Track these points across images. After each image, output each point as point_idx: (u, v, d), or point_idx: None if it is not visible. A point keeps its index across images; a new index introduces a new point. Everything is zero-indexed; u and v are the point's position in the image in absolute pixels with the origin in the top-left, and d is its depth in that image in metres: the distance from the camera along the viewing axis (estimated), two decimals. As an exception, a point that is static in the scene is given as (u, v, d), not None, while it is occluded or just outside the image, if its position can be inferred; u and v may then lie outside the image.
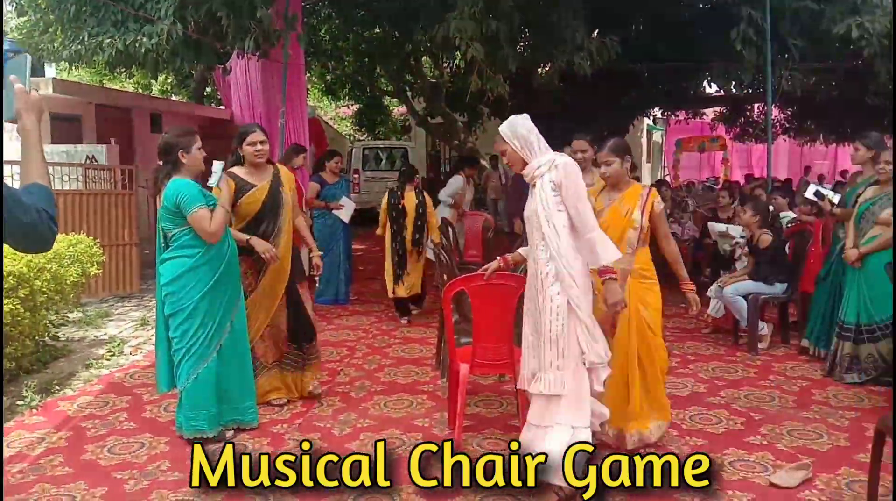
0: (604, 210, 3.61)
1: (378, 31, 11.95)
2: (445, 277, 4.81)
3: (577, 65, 7.29)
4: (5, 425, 4.01)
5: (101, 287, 7.67)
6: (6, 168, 6.58)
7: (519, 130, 3.17)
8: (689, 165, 20.35)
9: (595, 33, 8.73)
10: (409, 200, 6.68)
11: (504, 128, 3.21)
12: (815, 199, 5.48)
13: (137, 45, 6.33)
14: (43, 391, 4.60)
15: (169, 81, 18.37)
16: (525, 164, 3.17)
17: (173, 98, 18.24)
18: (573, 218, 3.06)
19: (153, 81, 19.23)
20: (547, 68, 8.15)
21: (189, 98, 16.78)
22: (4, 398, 4.39)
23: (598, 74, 8.11)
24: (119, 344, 5.83)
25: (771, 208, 6.45)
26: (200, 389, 3.65)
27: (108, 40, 6.51)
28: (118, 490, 3.27)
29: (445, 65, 13.27)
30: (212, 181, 3.78)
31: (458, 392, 3.65)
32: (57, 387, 4.75)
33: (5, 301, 4.34)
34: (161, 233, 3.72)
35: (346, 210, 7.39)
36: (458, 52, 9.16)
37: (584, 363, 3.04)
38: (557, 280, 3.02)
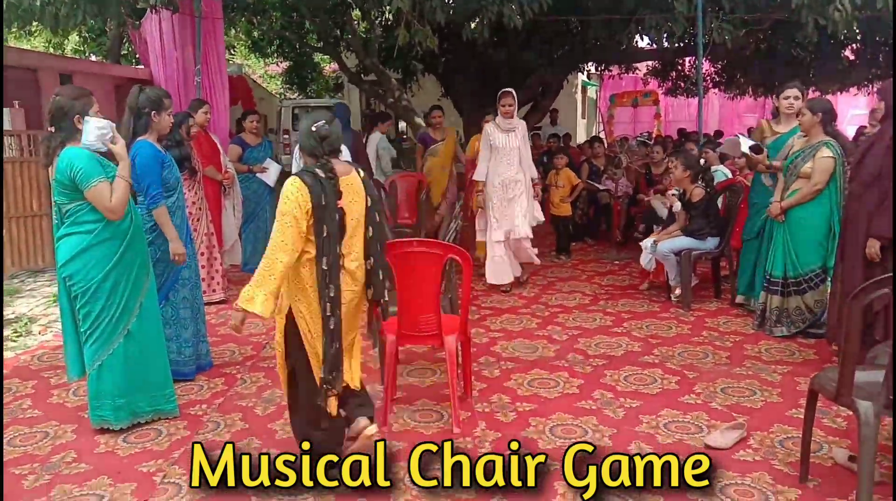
0: None
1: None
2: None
3: (508, 17, 7.05)
4: None
5: (10, 261, 7.18)
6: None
7: None
8: (622, 121, 20.42)
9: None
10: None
11: None
12: (752, 153, 5.37)
13: (31, -2, 5.77)
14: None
15: (83, 38, 17.24)
16: None
17: (92, 58, 17.12)
18: None
19: (66, 41, 18.04)
20: (477, 21, 7.85)
21: (105, 57, 15.76)
22: None
23: (529, 27, 7.87)
24: (26, 323, 5.44)
25: (702, 161, 6.42)
26: (105, 377, 3.36)
27: (-2, -7, 5.93)
28: (16, 487, 3.00)
29: (376, 18, 12.81)
30: (85, 140, 3.22)
31: (387, 364, 3.48)
32: (-46, 376, 4.37)
33: None
34: (56, 207, 3.37)
35: (270, 173, 7.05)
36: (386, 6, 8.78)
37: None
38: None
